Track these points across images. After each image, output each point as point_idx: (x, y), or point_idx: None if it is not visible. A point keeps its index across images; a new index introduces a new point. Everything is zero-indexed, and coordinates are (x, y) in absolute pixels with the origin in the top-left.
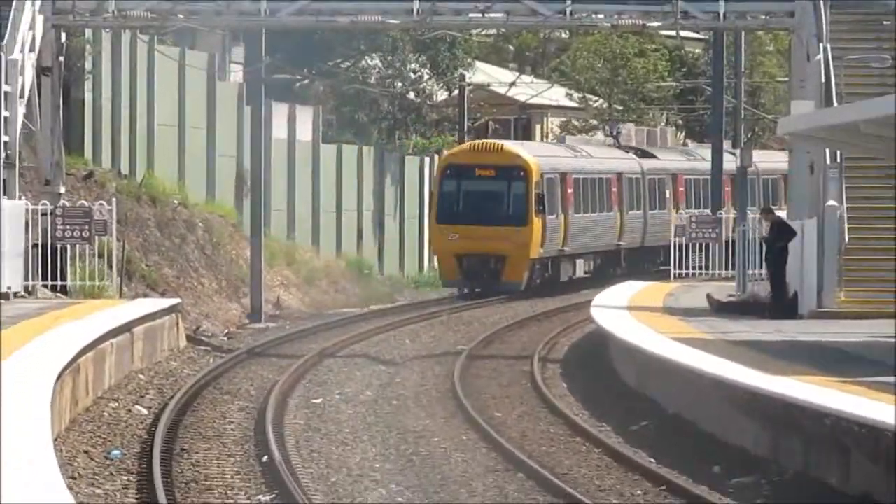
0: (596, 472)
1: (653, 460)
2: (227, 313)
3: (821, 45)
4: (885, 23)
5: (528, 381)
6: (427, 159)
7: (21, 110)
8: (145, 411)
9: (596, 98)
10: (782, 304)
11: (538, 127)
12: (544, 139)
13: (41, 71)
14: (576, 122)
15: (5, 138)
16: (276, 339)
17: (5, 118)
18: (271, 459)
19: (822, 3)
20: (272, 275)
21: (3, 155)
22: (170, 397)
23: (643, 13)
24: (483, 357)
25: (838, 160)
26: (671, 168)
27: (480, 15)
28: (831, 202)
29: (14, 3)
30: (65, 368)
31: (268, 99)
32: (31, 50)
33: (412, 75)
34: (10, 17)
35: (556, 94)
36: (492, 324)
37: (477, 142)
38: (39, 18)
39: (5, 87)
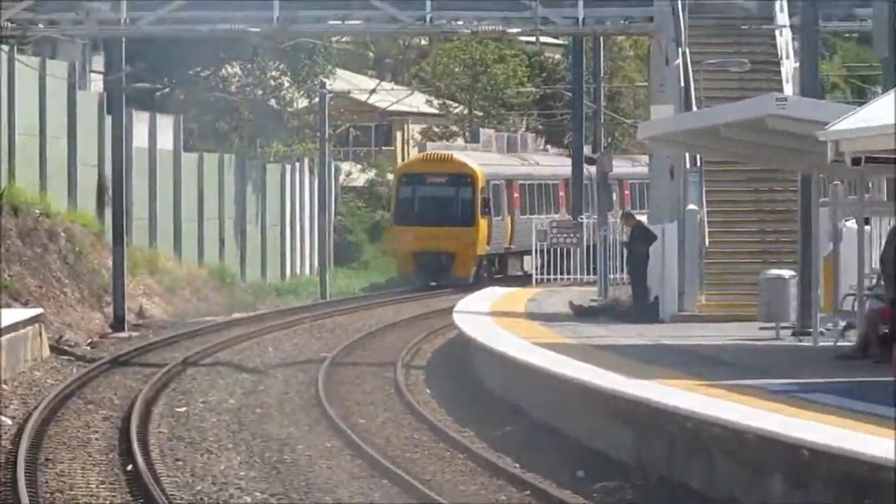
0: (461, 478)
1: (517, 465)
2: (90, 323)
3: (679, 49)
4: (743, 27)
5: (391, 387)
6: (288, 167)
7: None
8: (9, 422)
9: (456, 104)
10: (644, 308)
11: (399, 134)
12: (405, 146)
13: None
14: (436, 129)
15: None
16: (138, 348)
17: None
18: (136, 468)
19: (680, 7)
20: (135, 284)
21: None
22: (34, 407)
23: (503, 19)
24: (347, 364)
25: (698, 164)
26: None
27: (340, 22)
28: (692, 206)
29: None
30: None
31: (128, 108)
32: None
33: (272, 83)
34: None
35: (417, 101)
36: (355, 330)
37: (430, 152)
38: None
39: None
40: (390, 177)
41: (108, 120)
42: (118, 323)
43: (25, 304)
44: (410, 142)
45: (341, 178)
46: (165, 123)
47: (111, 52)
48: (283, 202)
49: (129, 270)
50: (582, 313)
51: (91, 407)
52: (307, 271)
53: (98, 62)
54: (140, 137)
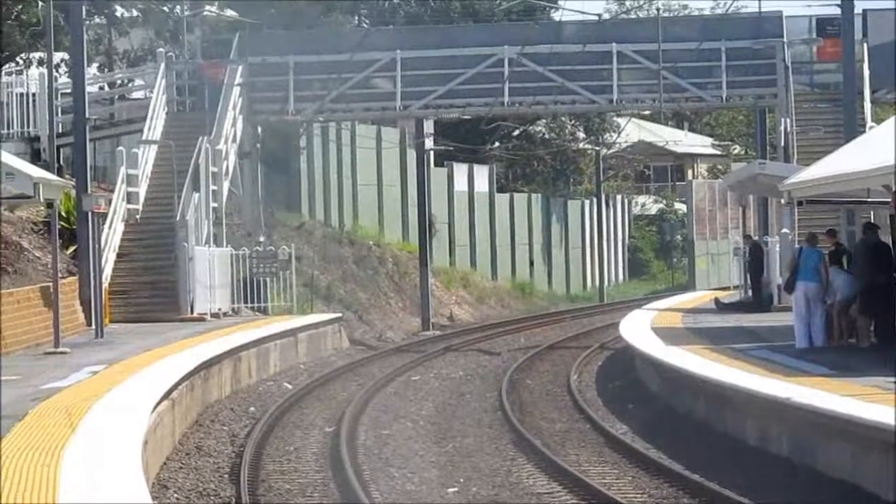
0: None
1: None
2: (408, 325)
3: (784, 119)
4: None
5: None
6: (587, 201)
7: (226, 185)
8: (290, 387)
9: (734, 145)
10: (758, 302)
11: (689, 171)
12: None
13: (242, 155)
14: (720, 167)
15: (214, 205)
16: (424, 340)
17: (214, 190)
18: (344, 414)
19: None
20: (448, 295)
21: (214, 216)
22: (314, 379)
23: (693, 97)
24: (564, 347)
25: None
26: None
27: (554, 104)
28: (785, 230)
29: (218, 108)
30: (220, 360)
31: (449, 161)
32: (234, 141)
33: (569, 136)
34: (216, 118)
35: (705, 143)
36: (598, 321)
37: None
38: (239, 118)
39: (213, 169)
40: (677, 206)
41: (434, 171)
42: (425, 324)
43: (356, 313)
44: (698, 177)
45: (636, 208)
46: (482, 171)
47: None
48: (583, 230)
49: (445, 285)
50: (721, 307)
51: (356, 378)
52: (607, 283)
53: (429, 125)
54: (461, 183)
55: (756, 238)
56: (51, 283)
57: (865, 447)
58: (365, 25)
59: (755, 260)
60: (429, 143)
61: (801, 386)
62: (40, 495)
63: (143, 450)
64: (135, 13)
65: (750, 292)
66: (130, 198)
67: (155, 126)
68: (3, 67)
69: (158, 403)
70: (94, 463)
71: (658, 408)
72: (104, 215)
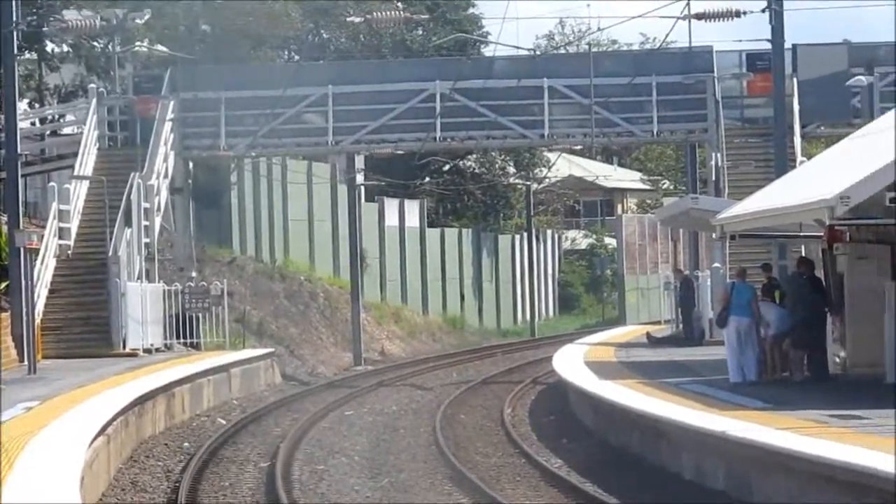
0: None
1: None
2: (340, 360)
3: (715, 154)
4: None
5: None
6: (517, 236)
7: (158, 220)
8: (224, 422)
9: (663, 180)
10: (690, 336)
11: (619, 205)
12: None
13: (174, 191)
14: (648, 201)
15: (146, 240)
16: (356, 375)
17: (146, 226)
18: (281, 445)
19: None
20: (380, 330)
21: (146, 252)
22: (248, 413)
23: (599, 133)
24: (499, 382)
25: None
26: None
27: (486, 138)
28: (717, 264)
29: (150, 143)
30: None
31: (380, 196)
32: (165, 176)
33: (500, 171)
34: (148, 153)
35: (634, 178)
36: (531, 356)
37: None
38: (171, 153)
39: (145, 204)
40: (607, 240)
41: (366, 206)
42: (357, 360)
43: (288, 348)
44: (628, 212)
45: (566, 242)
46: (413, 206)
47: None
48: (513, 264)
49: (377, 320)
50: (654, 341)
51: (289, 413)
52: (538, 317)
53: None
54: (392, 218)
55: (686, 272)
56: None
57: (802, 480)
58: (296, 60)
59: (686, 294)
60: (360, 178)
61: (736, 419)
62: None
63: (80, 486)
64: (66, 48)
65: (681, 326)
66: (62, 233)
67: (86, 162)
68: None
69: (94, 439)
70: (32, 499)
71: (593, 442)
72: (36, 251)
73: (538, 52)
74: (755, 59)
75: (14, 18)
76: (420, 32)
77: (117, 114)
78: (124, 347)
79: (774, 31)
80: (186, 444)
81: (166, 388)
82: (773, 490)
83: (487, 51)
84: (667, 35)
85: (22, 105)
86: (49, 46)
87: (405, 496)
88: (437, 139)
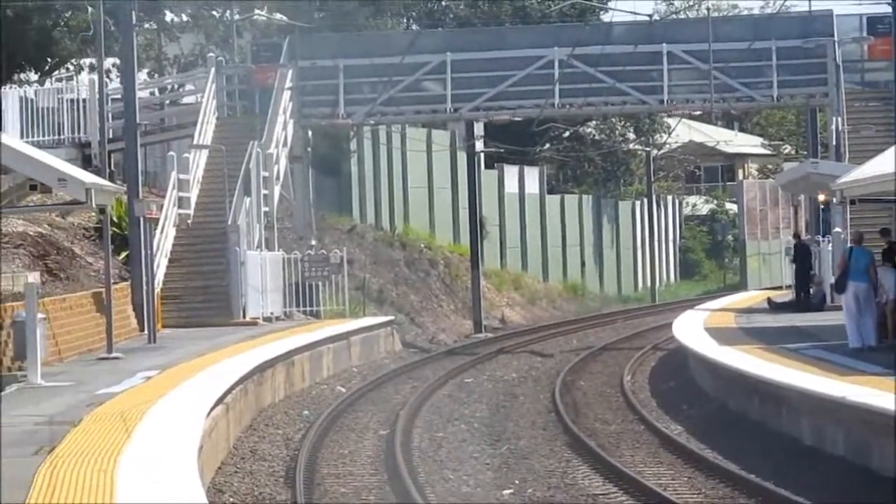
0: None
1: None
2: (460, 327)
3: (836, 118)
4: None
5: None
6: (638, 202)
7: (277, 189)
8: (343, 390)
9: (784, 144)
10: (808, 302)
11: (740, 171)
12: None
13: (293, 159)
14: (769, 167)
15: (265, 209)
16: (477, 342)
17: (265, 195)
18: (396, 424)
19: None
20: (500, 297)
21: (265, 220)
22: (367, 382)
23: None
24: (619, 348)
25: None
26: None
27: (604, 104)
28: (837, 228)
29: (269, 112)
30: (273, 364)
31: (500, 164)
32: (285, 145)
33: (620, 137)
34: (267, 122)
35: (755, 143)
36: (651, 322)
37: None
38: (290, 122)
39: (264, 173)
40: (728, 206)
41: (485, 173)
42: (476, 327)
43: (407, 315)
44: (749, 177)
45: (687, 208)
46: (532, 173)
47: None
48: (634, 230)
49: (497, 287)
50: (775, 307)
51: (409, 380)
52: (658, 284)
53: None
54: (511, 185)
55: (804, 238)
56: (103, 289)
57: None
58: (414, 28)
59: (801, 260)
60: (479, 145)
61: (856, 385)
62: (97, 500)
63: (198, 454)
64: (185, 18)
65: (797, 292)
66: (182, 203)
67: (206, 131)
68: (54, 74)
69: (213, 408)
70: (150, 468)
71: (712, 408)
72: (156, 220)
73: (657, 17)
74: (876, 22)
75: None
76: None
77: (236, 83)
78: (244, 316)
79: None
80: (306, 412)
81: (286, 357)
82: (892, 456)
83: (606, 16)
84: None
85: (141, 75)
86: (168, 16)
87: (524, 463)
88: (556, 105)
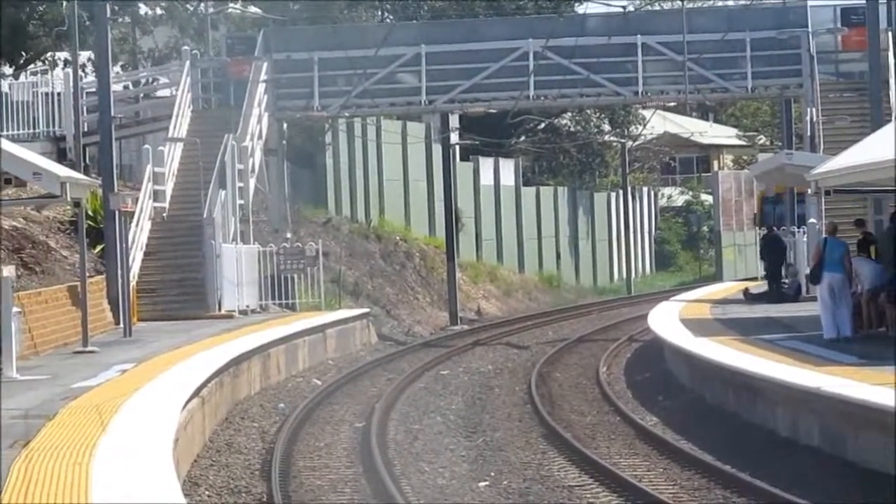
0: None
1: None
2: (436, 319)
3: (811, 108)
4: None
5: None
6: (613, 194)
7: (252, 182)
8: (319, 383)
9: (759, 135)
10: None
11: (715, 162)
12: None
13: (268, 152)
14: (745, 157)
15: (241, 202)
16: (453, 335)
17: (240, 187)
18: (376, 407)
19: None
20: (476, 289)
21: (241, 213)
22: (344, 374)
23: (694, 90)
24: (593, 340)
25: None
26: None
27: (579, 96)
28: (812, 220)
29: (244, 105)
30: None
31: (475, 156)
32: (259, 137)
33: (595, 129)
34: (242, 115)
35: (730, 134)
36: (627, 314)
37: None
38: (265, 115)
39: (239, 166)
40: (704, 197)
41: (460, 165)
42: (452, 319)
43: (383, 308)
44: (724, 168)
45: (662, 199)
46: (508, 165)
47: (445, 121)
48: (609, 222)
49: (472, 279)
50: (750, 298)
51: (385, 373)
52: (634, 275)
53: (453, 120)
54: (486, 177)
55: (777, 230)
56: (78, 283)
57: None
58: (389, 20)
59: (773, 251)
60: (454, 137)
61: (831, 375)
62: (72, 494)
63: (174, 447)
64: (159, 11)
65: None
66: (157, 196)
67: (180, 124)
68: (29, 67)
69: (188, 401)
70: (126, 461)
71: (688, 399)
72: (131, 214)
73: (631, 9)
74: (850, 13)
75: None
76: None
77: (211, 76)
78: (220, 309)
79: None
80: (282, 404)
81: (262, 350)
82: (867, 447)
83: (580, 8)
84: None
85: (116, 68)
86: (142, 9)
87: (500, 455)
88: (531, 97)
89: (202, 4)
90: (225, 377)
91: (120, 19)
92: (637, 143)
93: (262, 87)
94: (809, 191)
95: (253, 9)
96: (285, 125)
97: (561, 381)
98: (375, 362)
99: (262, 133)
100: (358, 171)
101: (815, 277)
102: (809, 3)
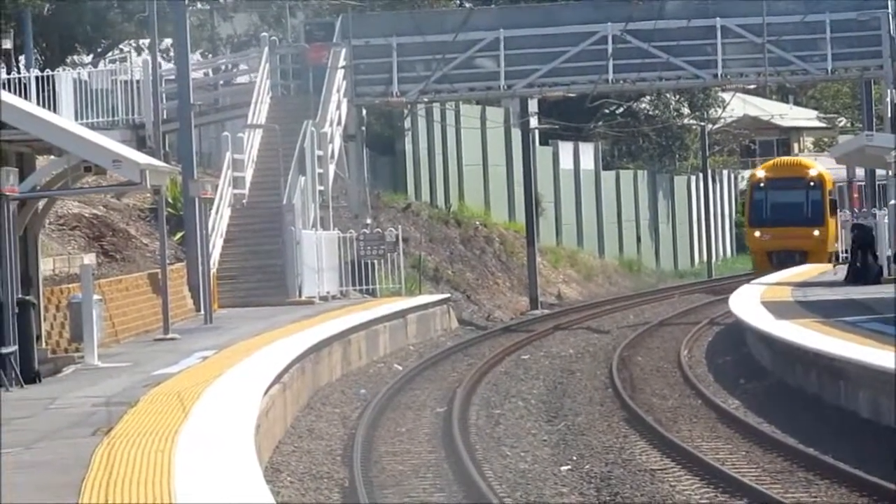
0: None
1: None
2: (516, 304)
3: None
4: None
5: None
6: (693, 177)
7: (332, 168)
8: (400, 368)
9: (839, 117)
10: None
11: (796, 145)
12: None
13: (347, 138)
14: (826, 140)
15: (320, 188)
16: (533, 320)
17: (320, 174)
18: (455, 395)
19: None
20: (556, 274)
21: (320, 200)
22: (426, 359)
23: (774, 72)
24: (675, 324)
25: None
26: None
27: (658, 79)
28: (893, 201)
29: (322, 91)
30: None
31: (555, 140)
32: (339, 123)
33: (674, 112)
34: (321, 101)
35: (811, 116)
36: (705, 299)
37: (781, 158)
38: (344, 101)
39: (318, 152)
40: None
41: (539, 149)
42: (533, 303)
43: (463, 293)
44: (805, 150)
45: (743, 182)
46: (587, 149)
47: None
48: (689, 205)
49: (552, 264)
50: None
51: (465, 358)
52: (714, 259)
53: (532, 104)
54: (566, 161)
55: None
56: (159, 270)
57: None
58: (467, 5)
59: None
60: (533, 121)
61: None
62: (155, 480)
63: (255, 434)
64: None
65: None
66: (237, 182)
67: (259, 111)
68: (108, 55)
69: (270, 387)
70: (208, 448)
71: (770, 382)
72: (211, 201)
73: None
74: None
75: None
76: None
77: (290, 62)
78: (300, 295)
79: None
80: (363, 390)
81: (342, 335)
82: None
83: None
84: None
85: (195, 56)
86: None
87: (582, 439)
88: (610, 81)
89: None
90: (306, 363)
91: (199, 6)
92: (717, 126)
93: (340, 74)
94: (890, 172)
95: None
96: (364, 111)
97: (642, 365)
98: (456, 347)
99: (342, 119)
100: (437, 156)
101: None
102: None
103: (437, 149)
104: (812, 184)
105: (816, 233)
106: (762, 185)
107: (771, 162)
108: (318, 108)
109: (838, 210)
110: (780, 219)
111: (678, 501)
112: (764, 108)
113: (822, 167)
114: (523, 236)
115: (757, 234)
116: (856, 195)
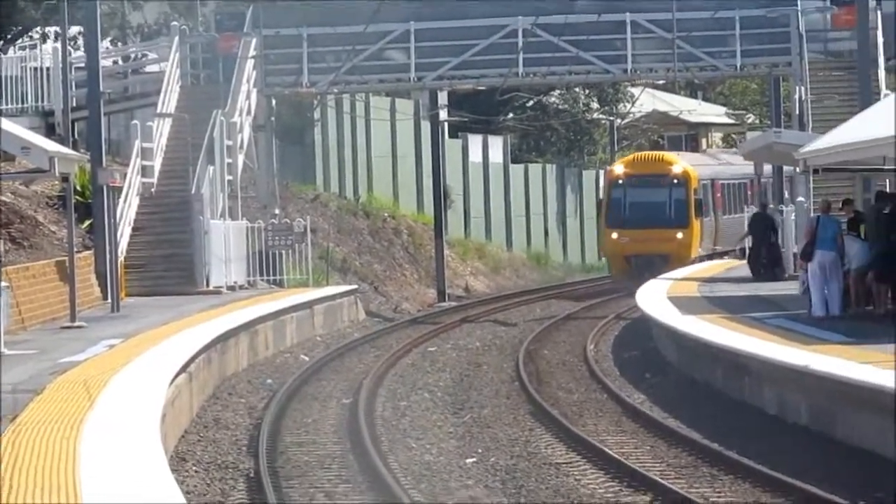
0: None
1: None
2: (424, 296)
3: (799, 87)
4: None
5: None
6: (601, 171)
7: (241, 158)
8: (307, 359)
9: (747, 113)
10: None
11: (703, 140)
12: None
13: (257, 128)
14: (734, 136)
15: (229, 178)
16: (440, 311)
17: (229, 163)
18: (366, 381)
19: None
20: (464, 266)
21: (229, 189)
22: (331, 350)
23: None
24: (578, 318)
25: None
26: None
27: (567, 74)
28: (801, 198)
29: (233, 81)
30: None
31: (464, 133)
32: (248, 113)
33: (583, 107)
34: (231, 91)
35: (719, 112)
36: (602, 292)
37: (642, 153)
38: (254, 91)
39: (227, 142)
40: None
41: (448, 142)
42: (440, 296)
43: (372, 285)
44: (713, 146)
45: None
46: (496, 142)
47: (434, 98)
48: (597, 199)
49: (460, 256)
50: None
51: (372, 349)
52: None
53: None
54: (475, 154)
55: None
56: (66, 258)
57: (886, 415)
58: None
59: (757, 228)
60: (443, 114)
61: (819, 353)
62: (60, 467)
63: (161, 423)
64: None
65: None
66: (145, 171)
67: (169, 99)
68: (17, 42)
69: (176, 376)
70: (114, 436)
71: (675, 377)
72: (119, 189)
73: None
74: None
75: None
76: None
77: (200, 52)
78: (207, 285)
79: None
80: (269, 380)
81: (249, 326)
82: (855, 425)
83: None
84: None
85: (105, 43)
86: None
87: (488, 431)
88: (520, 75)
89: None
90: (213, 353)
91: None
92: (625, 120)
93: (250, 63)
94: (797, 169)
95: None
96: (274, 101)
97: (549, 359)
98: (363, 339)
99: (251, 109)
100: (346, 147)
101: (807, 255)
102: None
103: (347, 140)
104: (676, 181)
105: (680, 235)
106: (620, 181)
107: (630, 156)
108: (227, 97)
109: (703, 210)
110: (640, 220)
111: (583, 495)
112: (673, 103)
113: (687, 163)
114: (431, 228)
115: (614, 235)
116: (719, 195)
